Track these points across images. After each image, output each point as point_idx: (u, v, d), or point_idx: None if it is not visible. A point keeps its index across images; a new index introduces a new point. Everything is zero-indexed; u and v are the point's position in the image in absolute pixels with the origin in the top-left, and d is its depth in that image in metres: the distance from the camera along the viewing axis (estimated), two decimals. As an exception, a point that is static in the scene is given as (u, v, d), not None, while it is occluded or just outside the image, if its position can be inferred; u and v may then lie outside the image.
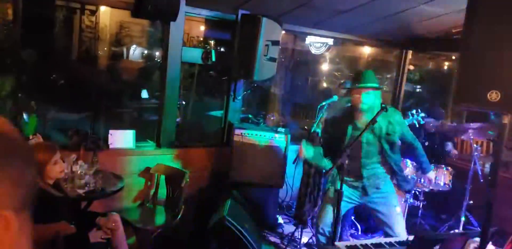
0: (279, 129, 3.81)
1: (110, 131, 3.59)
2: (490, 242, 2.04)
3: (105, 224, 2.64)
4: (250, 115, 4.05)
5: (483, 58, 1.67)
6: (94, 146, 3.31)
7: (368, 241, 2.20)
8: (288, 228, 3.70)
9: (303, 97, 6.33)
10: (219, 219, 2.94)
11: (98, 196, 2.96)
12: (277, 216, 3.92)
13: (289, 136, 3.77)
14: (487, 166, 4.28)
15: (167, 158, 3.74)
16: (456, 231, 3.62)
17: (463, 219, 3.70)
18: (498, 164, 1.85)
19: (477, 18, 1.69)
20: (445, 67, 7.37)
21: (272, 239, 3.65)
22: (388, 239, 2.34)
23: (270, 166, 3.78)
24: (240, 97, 4.06)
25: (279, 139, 3.77)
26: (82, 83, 4.57)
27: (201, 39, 4.99)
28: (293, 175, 3.76)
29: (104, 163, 3.32)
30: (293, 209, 3.65)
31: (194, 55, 3.87)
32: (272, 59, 3.69)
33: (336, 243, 2.15)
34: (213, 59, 3.83)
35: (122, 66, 5.65)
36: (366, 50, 5.79)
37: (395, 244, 2.27)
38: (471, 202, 3.71)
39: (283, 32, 3.95)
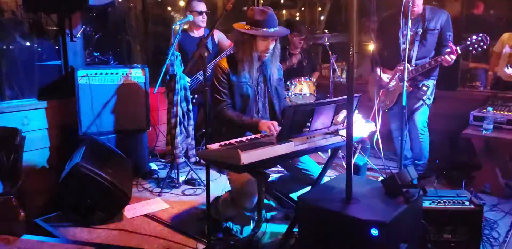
0: (135, 65, 3.27)
1: None
2: (356, 111, 2.01)
3: None
4: (96, 53, 3.37)
5: None
6: None
7: (243, 138, 1.97)
8: (164, 174, 3.27)
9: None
10: (72, 167, 2.36)
11: None
12: (150, 163, 3.46)
13: (146, 70, 3.27)
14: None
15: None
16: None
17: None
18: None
19: None
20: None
21: (147, 185, 3.18)
22: None
23: (130, 107, 3.26)
24: (79, 35, 3.35)
25: (136, 75, 3.24)
26: None
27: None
28: (158, 113, 3.30)
29: None
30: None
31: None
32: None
33: (208, 145, 1.85)
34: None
35: None
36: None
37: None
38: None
39: None
